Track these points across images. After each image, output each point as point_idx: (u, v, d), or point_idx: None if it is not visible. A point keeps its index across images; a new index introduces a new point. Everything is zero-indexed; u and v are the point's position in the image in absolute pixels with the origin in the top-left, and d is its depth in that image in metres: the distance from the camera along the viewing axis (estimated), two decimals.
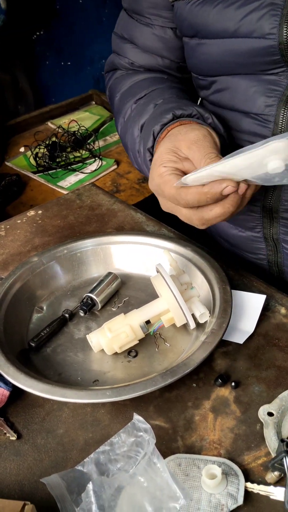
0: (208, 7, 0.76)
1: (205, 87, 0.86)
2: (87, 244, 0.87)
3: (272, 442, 0.60)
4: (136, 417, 0.60)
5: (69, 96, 1.90)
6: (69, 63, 2.15)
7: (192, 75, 0.90)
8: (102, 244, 0.87)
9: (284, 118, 0.77)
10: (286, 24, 0.70)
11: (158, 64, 0.92)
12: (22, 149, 1.70)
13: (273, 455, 0.59)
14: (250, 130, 0.81)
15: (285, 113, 0.76)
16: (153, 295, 0.82)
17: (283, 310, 0.77)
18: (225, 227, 0.93)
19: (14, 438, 0.65)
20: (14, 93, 1.93)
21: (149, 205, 1.32)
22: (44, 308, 0.82)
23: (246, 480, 0.58)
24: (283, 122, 0.77)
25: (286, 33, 0.70)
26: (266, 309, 0.77)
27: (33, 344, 0.75)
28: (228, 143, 0.84)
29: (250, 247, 0.91)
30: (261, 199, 0.84)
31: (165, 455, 0.61)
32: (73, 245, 0.87)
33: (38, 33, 2.00)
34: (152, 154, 0.80)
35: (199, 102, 0.98)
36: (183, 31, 0.84)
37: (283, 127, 0.77)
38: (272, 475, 0.57)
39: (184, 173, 0.70)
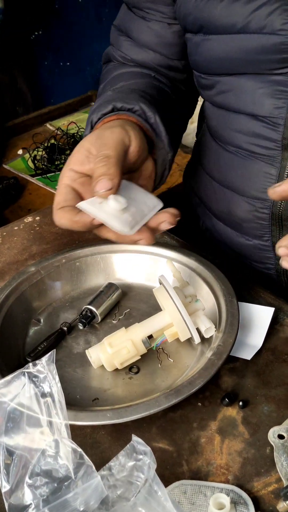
0: (215, 1, 0.73)
1: (208, 86, 0.83)
2: (86, 253, 0.84)
3: (283, 468, 0.56)
4: (135, 438, 0.57)
5: (68, 97, 1.87)
6: (68, 64, 2.12)
7: (194, 74, 0.86)
8: (102, 253, 0.84)
9: None
10: None
11: (150, 59, 0.89)
12: (20, 152, 1.66)
13: (284, 481, 0.56)
14: (258, 133, 0.77)
15: None
16: (155, 307, 0.78)
17: None
18: (232, 235, 0.90)
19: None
20: (12, 94, 1.90)
21: None
22: (42, 320, 0.78)
23: (256, 509, 0.54)
24: None
25: None
26: (275, 322, 0.74)
27: (29, 360, 0.71)
28: (222, 146, 0.83)
29: (258, 256, 0.88)
30: (269, 206, 0.80)
31: (169, 480, 0.57)
32: (72, 254, 0.83)
33: (36, 33, 1.97)
34: None
35: (201, 104, 0.94)
36: (187, 27, 0.80)
37: None
38: (284, 504, 0.53)
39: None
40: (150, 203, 0.68)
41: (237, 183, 0.84)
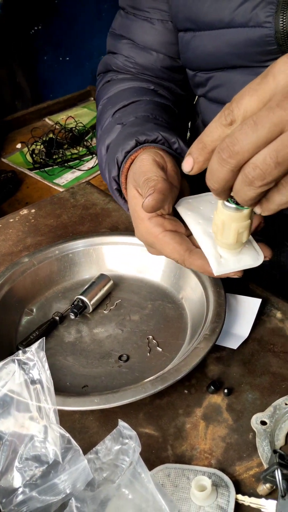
0: None
1: (201, 84, 0.84)
2: (79, 244, 0.85)
3: (264, 453, 0.58)
4: (121, 423, 0.58)
5: (67, 92, 1.89)
6: (67, 58, 2.13)
7: (188, 74, 0.87)
8: (94, 245, 0.85)
9: None
10: (282, 12, 0.68)
11: (153, 61, 0.90)
12: (19, 146, 1.68)
13: (265, 465, 0.57)
14: None
15: None
16: (146, 298, 0.81)
17: (278, 314, 0.75)
18: None
19: None
20: (11, 88, 1.91)
21: None
22: (34, 310, 0.80)
23: (237, 491, 0.56)
24: None
25: (282, 21, 0.68)
26: (262, 313, 0.75)
27: (21, 348, 0.73)
28: None
29: None
30: None
31: (154, 464, 0.59)
32: (65, 245, 0.85)
33: (36, 28, 1.98)
34: (117, 183, 0.75)
35: (195, 100, 0.95)
36: (178, 25, 0.82)
37: None
38: (263, 487, 0.55)
39: (170, 220, 0.67)
40: None
41: None
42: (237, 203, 0.56)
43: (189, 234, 0.68)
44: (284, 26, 0.68)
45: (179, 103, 0.92)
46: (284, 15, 0.68)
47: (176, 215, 0.69)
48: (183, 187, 0.72)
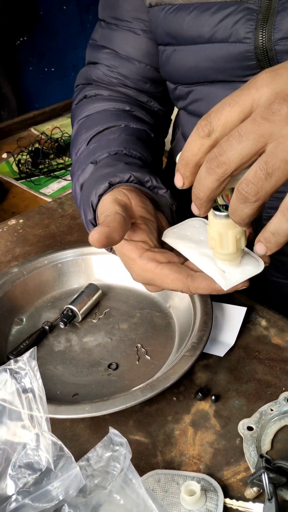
0: (183, 13, 0.77)
1: (182, 97, 0.86)
2: (68, 254, 0.87)
3: (251, 457, 0.60)
4: (112, 430, 0.60)
5: (53, 102, 1.90)
6: (52, 69, 2.15)
7: (169, 87, 0.89)
8: (83, 255, 0.87)
9: None
10: (261, 28, 0.70)
11: (135, 71, 0.91)
12: (4, 155, 1.69)
13: (252, 470, 0.59)
14: None
15: None
16: (134, 307, 0.82)
17: (263, 322, 0.77)
18: None
19: None
20: None
21: None
22: (24, 320, 0.81)
23: (225, 496, 0.57)
24: None
25: (261, 37, 0.71)
26: (247, 321, 0.77)
27: (12, 357, 0.74)
28: None
29: None
30: None
31: (144, 470, 0.60)
32: (54, 255, 0.86)
33: (21, 39, 1.99)
34: (94, 226, 0.73)
35: (176, 113, 0.97)
36: (158, 39, 0.83)
37: None
38: (251, 491, 0.57)
39: (160, 252, 0.67)
40: None
41: None
42: (227, 209, 0.57)
43: (181, 262, 0.67)
44: (263, 42, 0.71)
45: (156, 123, 0.93)
46: (263, 31, 0.71)
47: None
48: (159, 219, 0.72)
